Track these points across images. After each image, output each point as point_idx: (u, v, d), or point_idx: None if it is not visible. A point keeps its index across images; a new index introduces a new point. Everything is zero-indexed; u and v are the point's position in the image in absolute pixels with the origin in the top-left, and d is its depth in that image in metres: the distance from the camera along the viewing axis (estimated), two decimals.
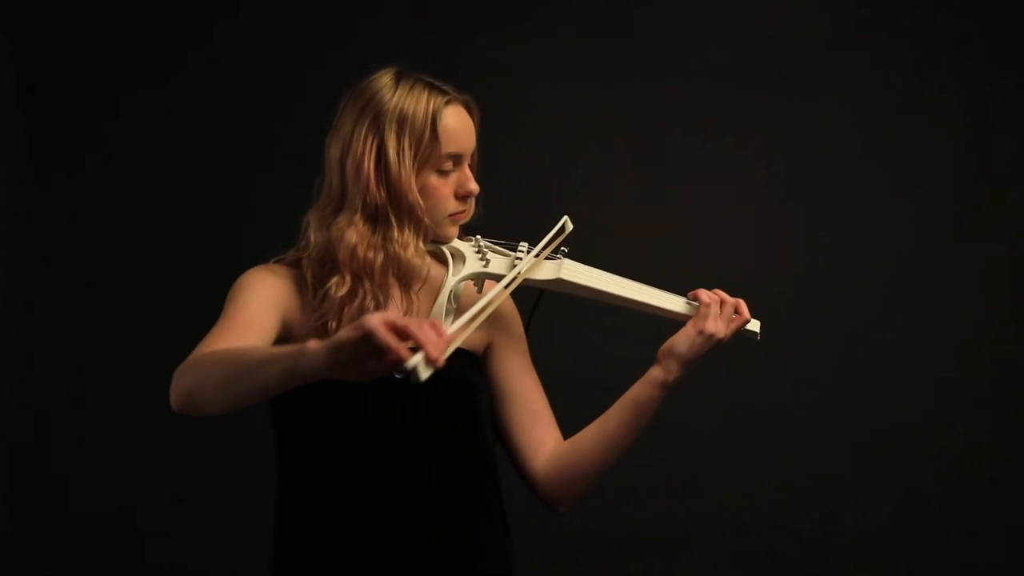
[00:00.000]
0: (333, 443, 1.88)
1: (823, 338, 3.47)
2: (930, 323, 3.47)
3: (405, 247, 1.89)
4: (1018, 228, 3.47)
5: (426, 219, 1.91)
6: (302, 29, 3.52)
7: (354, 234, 1.87)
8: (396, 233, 1.89)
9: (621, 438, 1.97)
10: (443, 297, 1.92)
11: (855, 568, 3.43)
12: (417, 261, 1.91)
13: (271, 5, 3.53)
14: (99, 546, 3.44)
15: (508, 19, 3.53)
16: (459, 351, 1.96)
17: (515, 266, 1.95)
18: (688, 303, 2.00)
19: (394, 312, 1.41)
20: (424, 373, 1.39)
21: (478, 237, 2.02)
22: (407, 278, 1.91)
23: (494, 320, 1.99)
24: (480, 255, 1.98)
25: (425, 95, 1.90)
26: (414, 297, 1.93)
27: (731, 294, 1.98)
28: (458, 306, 2.00)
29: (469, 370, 1.98)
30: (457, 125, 1.91)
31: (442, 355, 1.40)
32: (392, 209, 1.88)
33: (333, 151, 1.92)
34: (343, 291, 1.87)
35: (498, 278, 1.97)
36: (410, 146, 1.88)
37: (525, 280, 1.94)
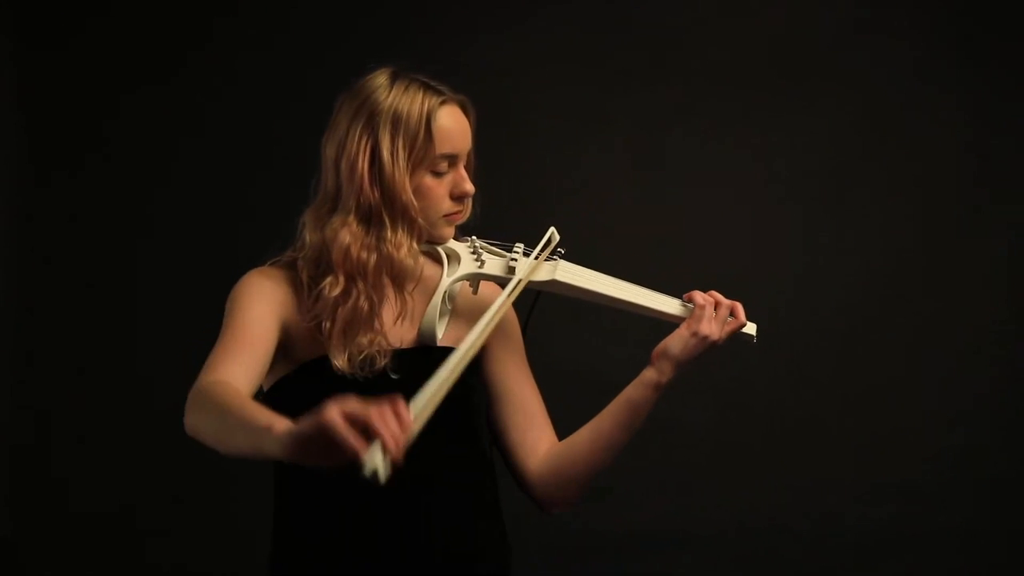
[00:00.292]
0: None
1: (823, 338, 3.47)
2: (930, 323, 3.47)
3: (398, 247, 1.89)
4: (1018, 228, 3.46)
5: (420, 220, 1.90)
6: (302, 29, 3.52)
7: (348, 234, 1.87)
8: (389, 233, 1.88)
9: (615, 439, 1.97)
10: (437, 298, 1.92)
11: (855, 568, 3.43)
12: (410, 262, 1.91)
13: (271, 5, 3.53)
14: (99, 546, 3.44)
15: (508, 19, 3.53)
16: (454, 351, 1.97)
17: (511, 267, 1.95)
18: (683, 305, 1.99)
19: (353, 402, 1.37)
20: (385, 475, 1.32)
21: (474, 238, 2.01)
22: (400, 278, 1.91)
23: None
24: (475, 256, 1.98)
25: (420, 95, 1.90)
26: (408, 297, 1.93)
27: (730, 294, 1.98)
28: (453, 307, 2.00)
29: (465, 371, 1.98)
30: (452, 125, 1.91)
31: (403, 450, 1.35)
32: (386, 209, 1.88)
33: (328, 151, 1.93)
34: (337, 291, 1.87)
35: (493, 279, 1.98)
36: (404, 146, 1.88)
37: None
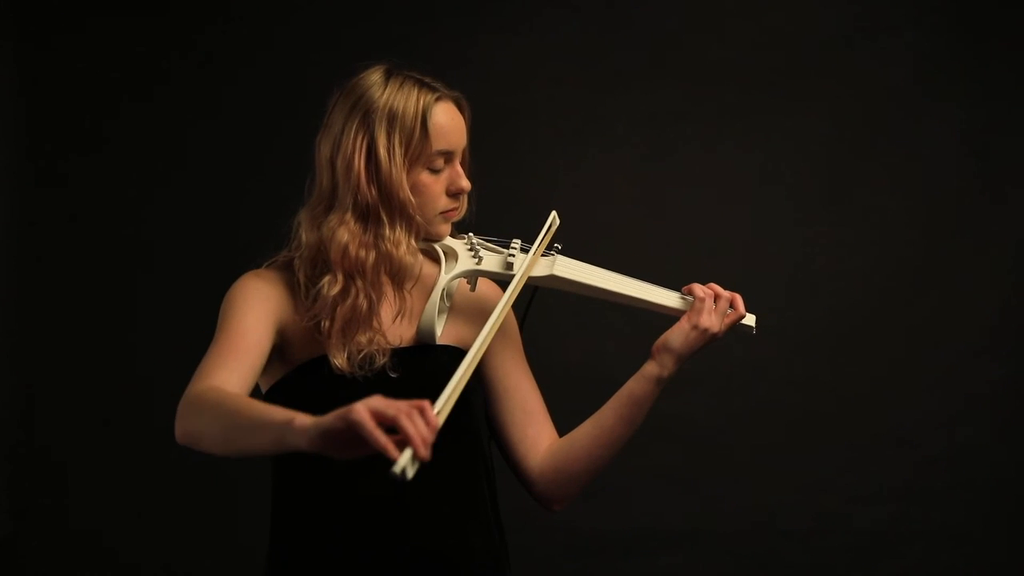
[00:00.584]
0: None
1: (822, 338, 3.47)
2: (930, 323, 3.47)
3: (397, 245, 1.88)
4: (1018, 228, 3.46)
5: (418, 217, 1.89)
6: (302, 29, 3.52)
7: (345, 232, 1.86)
8: (388, 231, 1.88)
9: (617, 434, 1.96)
10: (436, 295, 1.91)
11: (855, 568, 3.43)
12: (409, 259, 1.90)
13: (271, 5, 3.54)
14: (99, 546, 3.44)
15: (508, 19, 3.53)
16: (453, 349, 1.97)
17: (509, 263, 1.95)
18: (682, 298, 1.99)
19: (380, 400, 1.40)
20: (412, 472, 1.37)
21: (470, 235, 2.01)
22: (399, 276, 1.91)
23: (486, 318, 1.99)
24: (473, 253, 1.97)
25: (415, 92, 1.89)
26: (407, 295, 1.92)
27: (727, 289, 1.98)
28: (452, 304, 2.00)
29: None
30: (447, 122, 1.90)
31: (429, 450, 1.39)
32: (383, 207, 1.87)
33: (323, 150, 1.92)
34: (335, 290, 1.86)
35: (491, 275, 1.97)
36: (400, 143, 1.87)
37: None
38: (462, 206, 1.96)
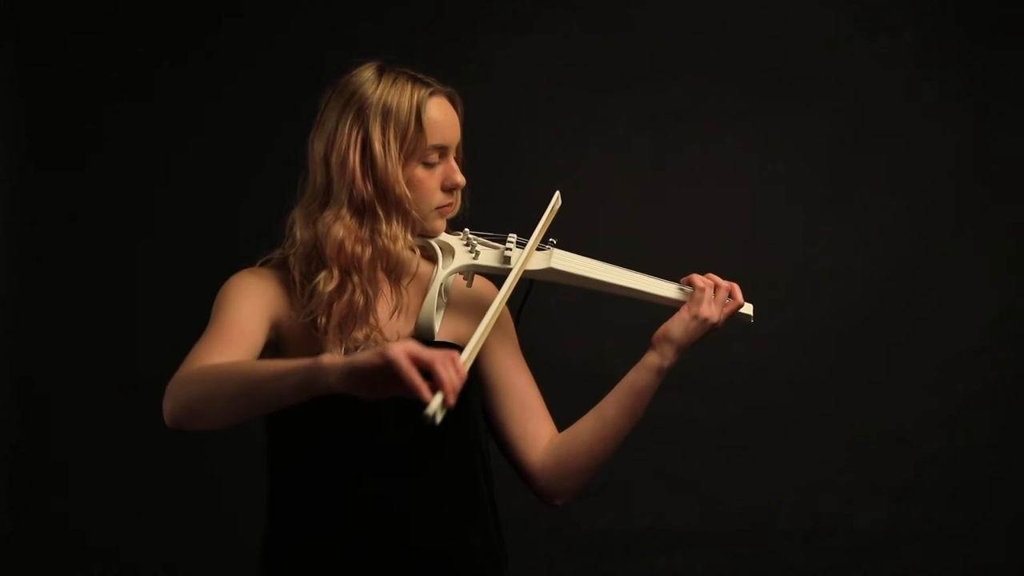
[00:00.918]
0: (324, 440, 1.87)
1: (823, 338, 3.47)
2: (929, 323, 3.47)
3: (394, 240, 1.88)
4: (1018, 228, 3.46)
5: (414, 212, 1.89)
6: (302, 29, 3.53)
7: (341, 228, 1.86)
8: (384, 226, 1.87)
9: (619, 425, 1.96)
10: (433, 291, 1.90)
11: (855, 568, 3.43)
12: (407, 254, 1.91)
13: (271, 5, 3.54)
14: (99, 546, 3.44)
15: (508, 19, 3.53)
16: (450, 346, 1.96)
17: (506, 257, 1.95)
18: (680, 289, 1.99)
19: (414, 344, 1.40)
20: (440, 418, 1.40)
21: (466, 230, 2.01)
22: (396, 272, 1.91)
23: (483, 314, 1.98)
24: (469, 248, 1.97)
25: (409, 87, 1.88)
26: (403, 291, 1.92)
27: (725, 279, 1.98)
28: (448, 300, 2.00)
29: None
30: (442, 117, 1.90)
31: (456, 397, 1.41)
32: (379, 202, 1.87)
33: (317, 147, 1.91)
34: (331, 286, 1.85)
35: (488, 271, 1.97)
36: (396, 138, 1.86)
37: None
38: (456, 201, 1.95)
